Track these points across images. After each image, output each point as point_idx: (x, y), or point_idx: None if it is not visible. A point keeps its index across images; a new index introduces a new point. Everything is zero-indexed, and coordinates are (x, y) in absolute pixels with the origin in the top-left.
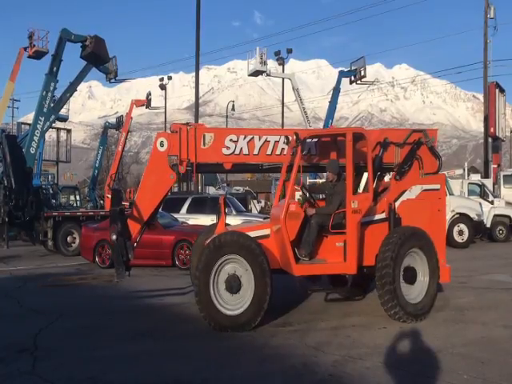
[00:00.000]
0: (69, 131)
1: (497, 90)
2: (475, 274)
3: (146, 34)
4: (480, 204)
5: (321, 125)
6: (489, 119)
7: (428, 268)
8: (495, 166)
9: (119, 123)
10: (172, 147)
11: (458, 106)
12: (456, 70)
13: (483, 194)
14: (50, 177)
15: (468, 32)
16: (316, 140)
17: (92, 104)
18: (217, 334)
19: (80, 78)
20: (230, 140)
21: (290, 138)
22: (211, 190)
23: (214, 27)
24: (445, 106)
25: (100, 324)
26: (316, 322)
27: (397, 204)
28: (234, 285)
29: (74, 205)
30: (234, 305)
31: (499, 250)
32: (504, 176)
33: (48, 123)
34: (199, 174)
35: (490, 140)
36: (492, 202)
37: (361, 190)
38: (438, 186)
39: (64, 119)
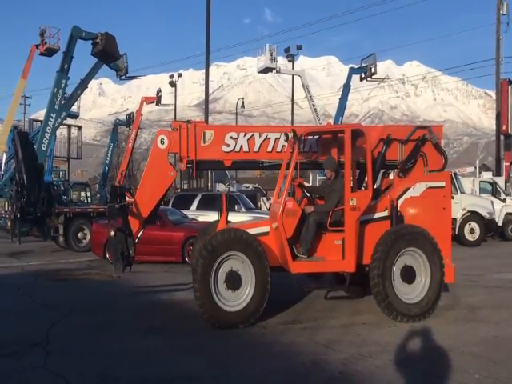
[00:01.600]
0: (80, 128)
1: (509, 87)
2: (487, 272)
3: (157, 31)
4: (492, 202)
5: (331, 122)
6: (501, 116)
7: (429, 267)
8: (507, 163)
9: (129, 120)
10: (172, 144)
11: (469, 103)
12: (468, 67)
13: (495, 192)
14: (61, 173)
15: (480, 28)
16: (317, 137)
17: (102, 101)
18: (227, 330)
19: (91, 75)
20: (230, 137)
21: (290, 135)
22: (221, 187)
23: (224, 24)
24: (456, 103)
25: (111, 320)
26: (326, 320)
27: (400, 202)
28: (234, 282)
29: (85, 201)
30: (234, 301)
31: (511, 248)
32: None
33: (59, 120)
34: (209, 172)
35: (502, 137)
36: (504, 200)
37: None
38: (443, 184)
39: (75, 116)
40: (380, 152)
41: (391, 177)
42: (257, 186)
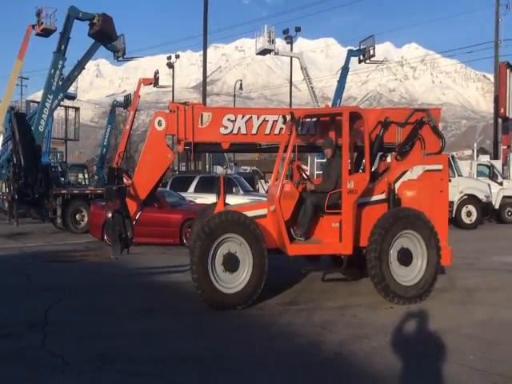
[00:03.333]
0: (77, 109)
1: (508, 70)
2: (483, 255)
3: (155, 12)
4: (489, 185)
5: (329, 104)
6: (499, 100)
7: (426, 250)
8: (505, 147)
9: (127, 102)
10: (170, 126)
11: (467, 87)
12: (466, 50)
13: (492, 176)
14: (58, 155)
15: (479, 11)
16: (315, 120)
17: (100, 82)
18: (225, 311)
19: (88, 56)
20: (228, 119)
21: (287, 118)
22: (219, 170)
23: (223, 5)
24: (454, 86)
25: (109, 301)
26: (323, 302)
27: (397, 184)
28: (231, 264)
29: (83, 183)
30: (232, 283)
31: (507, 231)
32: None
33: (56, 101)
34: (206, 154)
35: (499, 121)
36: (501, 184)
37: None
38: (440, 167)
39: (72, 97)
40: (378, 135)
41: (389, 160)
42: (255, 168)
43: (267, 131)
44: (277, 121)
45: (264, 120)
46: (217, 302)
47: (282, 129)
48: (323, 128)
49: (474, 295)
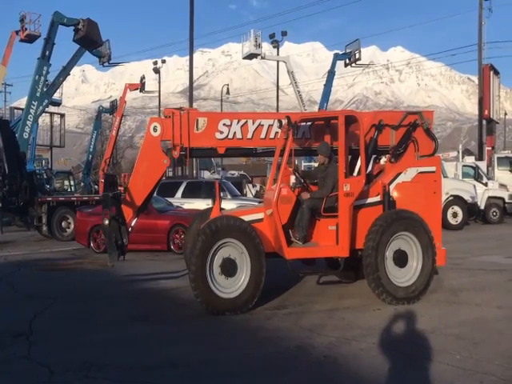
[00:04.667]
0: (62, 116)
1: (491, 73)
2: (469, 255)
3: (141, 17)
4: (474, 186)
5: (316, 108)
6: (483, 102)
7: (421, 251)
8: (489, 148)
9: (113, 107)
10: (165, 132)
11: (452, 89)
12: (451, 53)
13: (477, 177)
14: (43, 162)
15: (463, 14)
16: (310, 124)
17: (85, 88)
18: (213, 317)
19: (73, 61)
20: (224, 124)
21: (283, 122)
22: (206, 175)
23: (210, 10)
24: (440, 89)
25: (96, 309)
26: (311, 305)
27: (392, 187)
28: (229, 268)
29: (69, 190)
30: (229, 288)
31: (493, 231)
32: (498, 158)
33: (41, 108)
34: (193, 159)
35: (484, 122)
36: (486, 184)
37: (356, 173)
38: (433, 169)
39: (57, 104)
40: (372, 137)
41: (382, 162)
42: (242, 172)
43: (262, 136)
44: (272, 125)
45: (259, 125)
46: (213, 307)
47: (277, 133)
48: (318, 132)
49: (460, 295)
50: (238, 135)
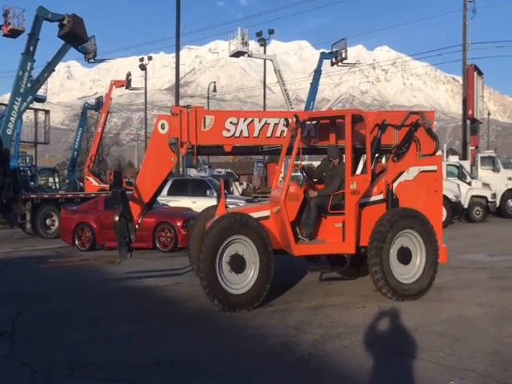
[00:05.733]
0: (47, 112)
1: (475, 73)
2: (452, 253)
3: (127, 14)
4: (458, 185)
5: (302, 106)
6: (467, 101)
7: (424, 248)
8: (473, 147)
9: (99, 104)
10: (173, 130)
11: (437, 89)
12: (436, 53)
13: (461, 176)
14: (27, 158)
15: (448, 15)
16: (315, 123)
17: (71, 84)
18: (198, 315)
19: (58, 57)
20: (231, 122)
21: (290, 121)
22: (192, 172)
23: (197, 7)
24: (425, 88)
25: (80, 307)
26: (297, 303)
27: (394, 185)
28: (238, 265)
29: (53, 187)
30: (238, 284)
31: (476, 230)
32: (481, 158)
33: (25, 104)
34: (179, 156)
35: (468, 122)
36: (469, 184)
37: (358, 171)
38: (435, 168)
39: (42, 100)
40: (375, 137)
41: (383, 161)
42: (229, 170)
43: (268, 134)
44: (278, 124)
45: (265, 123)
46: (223, 303)
47: (283, 132)
48: (322, 130)
49: (443, 293)
50: (245, 133)
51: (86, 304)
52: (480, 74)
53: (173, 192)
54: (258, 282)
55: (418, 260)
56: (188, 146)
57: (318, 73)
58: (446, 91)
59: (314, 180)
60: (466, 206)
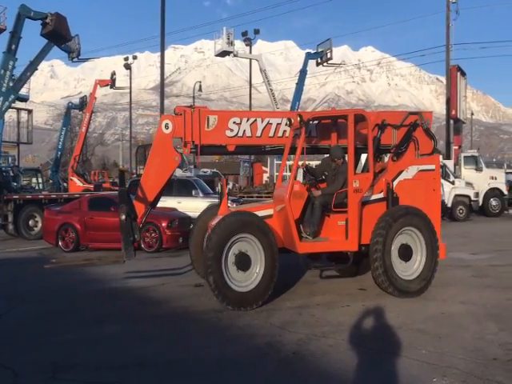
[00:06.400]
0: (30, 112)
1: (458, 73)
2: None
3: (112, 12)
4: (441, 184)
5: (288, 106)
6: (451, 102)
7: (425, 246)
8: (456, 147)
9: (83, 104)
10: (177, 129)
11: (422, 89)
12: (420, 53)
13: (444, 175)
14: (10, 159)
15: (432, 16)
16: (316, 122)
17: (54, 84)
18: (183, 315)
19: (41, 56)
20: (234, 122)
21: (293, 120)
22: (178, 172)
23: (183, 6)
24: (409, 89)
25: (63, 308)
26: (282, 302)
27: (394, 184)
28: (243, 263)
29: (37, 187)
30: (244, 282)
31: (459, 228)
32: (464, 157)
33: (7, 103)
34: None
35: (451, 122)
36: (453, 183)
37: (358, 170)
38: (433, 167)
39: (24, 99)
40: (375, 136)
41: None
42: (215, 170)
43: (271, 134)
44: (280, 124)
45: (268, 123)
46: (230, 301)
47: (285, 131)
48: (324, 130)
49: (427, 291)
50: (248, 133)
51: (69, 305)
52: (463, 74)
53: None
54: (263, 280)
55: (419, 257)
56: (191, 146)
57: (303, 73)
58: (430, 91)
59: (318, 179)
60: (449, 205)
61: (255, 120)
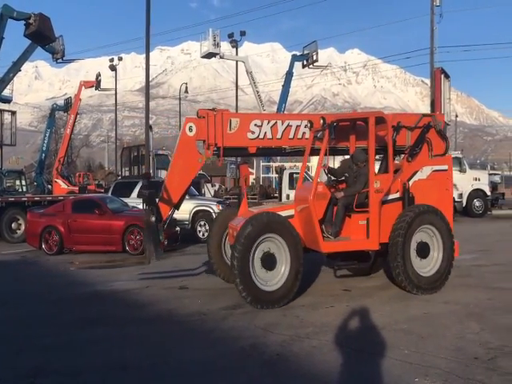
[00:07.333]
0: (13, 113)
1: (442, 76)
2: None
3: (98, 13)
4: None
5: (275, 108)
6: (435, 104)
7: (442, 243)
8: None
9: (67, 105)
10: (200, 132)
11: (407, 91)
12: (405, 56)
13: None
14: None
15: (417, 18)
16: (335, 125)
17: (39, 85)
18: (167, 318)
19: (24, 57)
20: (255, 125)
21: (313, 123)
22: (163, 174)
23: (170, 8)
24: (395, 91)
25: (47, 312)
26: None
27: (410, 184)
28: (269, 262)
29: (20, 190)
30: (270, 281)
31: None
32: None
33: None
34: (150, 158)
35: None
36: None
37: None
38: (446, 167)
39: (8, 100)
40: (391, 138)
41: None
42: (201, 172)
43: (291, 136)
44: (299, 126)
45: (288, 125)
46: (257, 299)
47: (304, 133)
48: (341, 132)
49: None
50: (269, 135)
51: (51, 309)
52: (447, 76)
53: None
54: (289, 279)
55: (436, 254)
56: (214, 148)
57: (289, 75)
58: (416, 93)
59: (339, 180)
60: None
61: (275, 122)
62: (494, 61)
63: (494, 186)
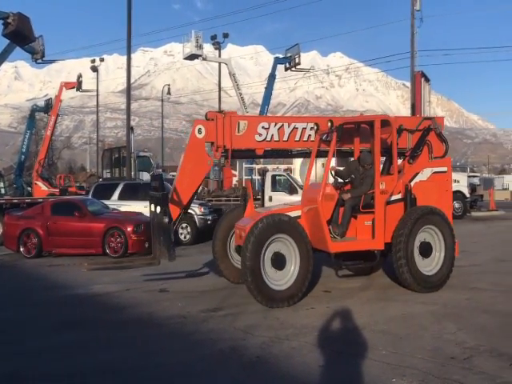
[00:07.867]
0: None
1: (422, 79)
2: None
3: (79, 13)
4: None
5: (258, 111)
6: (415, 107)
7: (444, 243)
8: None
9: (48, 106)
10: (209, 134)
11: (389, 94)
12: (386, 59)
13: None
14: None
15: (398, 23)
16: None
17: (19, 85)
18: (147, 321)
19: (2, 57)
20: (262, 127)
21: (320, 125)
22: (145, 176)
23: (153, 9)
24: (376, 94)
25: (24, 316)
26: (247, 306)
27: (411, 185)
28: (279, 262)
29: None
30: (280, 280)
31: None
32: None
33: None
34: (132, 159)
35: None
36: None
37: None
38: (445, 169)
39: None
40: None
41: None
42: None
43: (297, 138)
44: (305, 128)
45: (294, 127)
46: (268, 299)
47: (310, 136)
48: (346, 134)
49: (388, 292)
50: (276, 137)
51: (29, 313)
52: (427, 80)
53: (124, 196)
54: (298, 278)
55: (438, 253)
56: (222, 150)
57: (272, 77)
58: (397, 97)
59: (345, 181)
60: None
61: (282, 125)
62: (473, 65)
63: (473, 188)
